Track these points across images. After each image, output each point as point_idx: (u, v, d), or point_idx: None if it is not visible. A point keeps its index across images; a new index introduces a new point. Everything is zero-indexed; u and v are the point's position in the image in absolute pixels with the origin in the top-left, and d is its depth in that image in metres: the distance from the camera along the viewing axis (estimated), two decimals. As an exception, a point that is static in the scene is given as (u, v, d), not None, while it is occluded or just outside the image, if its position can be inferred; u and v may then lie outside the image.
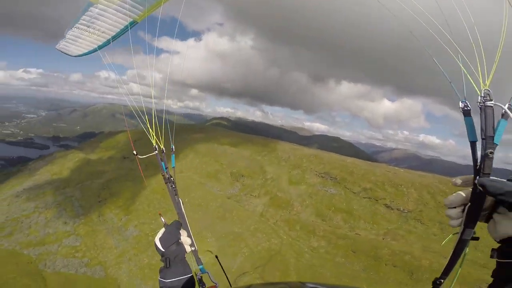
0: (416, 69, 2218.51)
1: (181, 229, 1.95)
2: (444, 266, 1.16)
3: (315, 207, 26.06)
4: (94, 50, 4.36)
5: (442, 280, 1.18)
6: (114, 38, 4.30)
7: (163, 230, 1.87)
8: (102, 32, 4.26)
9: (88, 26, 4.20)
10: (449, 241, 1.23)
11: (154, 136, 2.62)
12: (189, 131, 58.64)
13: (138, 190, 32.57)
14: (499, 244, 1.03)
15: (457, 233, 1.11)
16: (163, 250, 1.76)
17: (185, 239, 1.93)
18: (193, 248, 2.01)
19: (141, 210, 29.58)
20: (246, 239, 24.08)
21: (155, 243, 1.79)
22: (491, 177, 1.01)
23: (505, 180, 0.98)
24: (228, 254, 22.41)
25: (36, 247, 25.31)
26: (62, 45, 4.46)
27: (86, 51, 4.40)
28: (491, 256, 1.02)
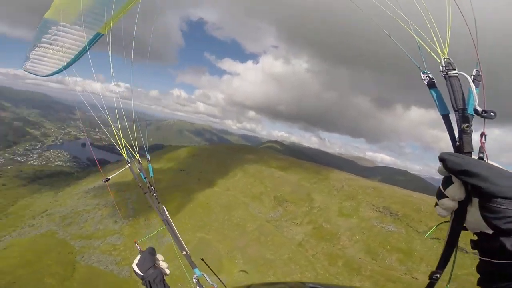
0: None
1: (157, 254, 2.00)
2: (439, 259, 1.08)
3: (365, 244, 22.61)
4: (63, 68, 4.21)
5: (438, 275, 1.10)
6: (82, 53, 4.12)
7: (138, 256, 1.96)
8: (67, 49, 4.12)
9: (51, 44, 4.07)
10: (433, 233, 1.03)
11: (124, 149, 2.68)
12: (242, 151, 60.14)
13: (185, 202, 33.83)
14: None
15: (448, 221, 1.01)
16: (141, 274, 1.84)
17: (162, 263, 1.99)
18: (184, 253, 2.08)
19: (182, 221, 30.39)
20: (276, 267, 22.07)
21: (133, 268, 1.90)
22: (455, 153, 0.93)
23: (469, 157, 0.91)
24: (253, 280, 20.73)
25: (83, 239, 28.05)
26: (28, 66, 4.35)
27: (55, 69, 4.25)
28: (472, 247, 0.95)
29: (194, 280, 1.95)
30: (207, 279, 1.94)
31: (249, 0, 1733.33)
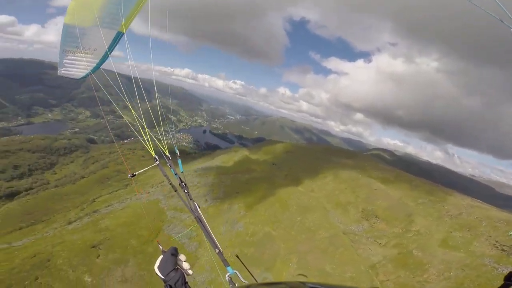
0: None
1: (179, 254, 1.95)
2: None
3: (458, 282, 15.72)
4: (96, 68, 4.38)
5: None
6: (107, 53, 4.19)
7: (161, 257, 1.92)
8: (94, 50, 4.18)
9: (76, 47, 4.17)
10: None
11: (151, 147, 2.94)
12: (340, 155, 55.36)
13: (267, 194, 33.74)
14: None
15: None
16: (163, 277, 1.81)
17: (184, 264, 1.95)
18: (217, 251, 2.09)
19: (258, 212, 30.28)
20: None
21: (155, 271, 1.87)
22: None
23: None
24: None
25: (176, 211, 32.13)
26: (62, 71, 4.51)
27: (87, 71, 4.37)
28: None
29: (227, 278, 1.92)
30: (240, 277, 1.90)
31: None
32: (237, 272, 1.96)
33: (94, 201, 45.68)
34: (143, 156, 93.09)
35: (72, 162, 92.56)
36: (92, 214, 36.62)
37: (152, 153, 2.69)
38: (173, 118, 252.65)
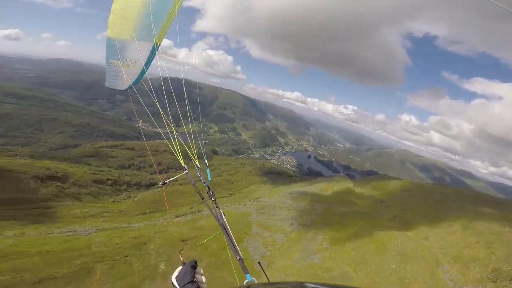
0: None
1: (197, 267, 2.01)
2: None
3: None
4: (137, 81, 4.65)
5: None
6: (147, 65, 4.45)
7: (180, 268, 2.02)
8: (135, 62, 4.40)
9: (119, 59, 4.38)
10: None
11: (180, 155, 3.26)
12: (481, 201, 40.82)
13: (362, 233, 28.13)
14: None
15: None
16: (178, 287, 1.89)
17: (199, 277, 1.97)
18: (238, 258, 2.11)
19: (343, 249, 25.14)
20: None
21: (171, 281, 1.92)
22: None
23: None
24: None
25: (261, 228, 31.76)
26: (108, 82, 4.76)
27: (129, 83, 4.59)
28: None
29: (245, 285, 1.80)
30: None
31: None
32: (255, 279, 1.93)
33: (202, 203, 51.85)
34: (250, 172, 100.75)
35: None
36: (196, 213, 41.29)
37: (181, 162, 2.89)
38: (281, 140, 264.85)
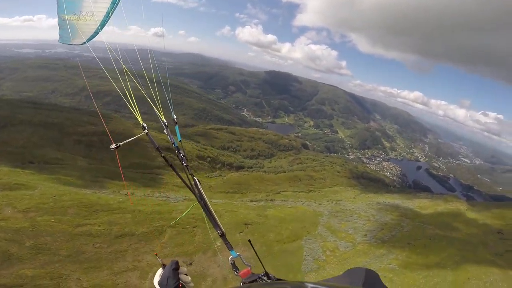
0: None
1: (180, 268, 1.82)
2: None
3: None
4: (96, 33, 4.04)
5: None
6: (105, 19, 3.88)
7: (160, 271, 1.82)
8: (92, 16, 3.86)
9: (74, 13, 3.92)
10: None
11: (138, 112, 2.39)
12: None
13: (448, 263, 22.37)
14: None
15: None
16: None
17: (184, 277, 1.81)
18: (219, 232, 1.91)
19: (414, 276, 20.57)
20: None
21: (154, 286, 1.74)
22: None
23: None
24: None
25: (328, 230, 30.51)
26: (62, 38, 4.18)
27: (89, 36, 4.02)
28: None
29: (230, 262, 1.86)
30: (243, 260, 1.80)
31: None
32: (240, 255, 1.84)
33: (279, 193, 53.99)
34: (338, 172, 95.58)
35: (284, 158, 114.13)
36: (269, 202, 43.36)
37: (139, 118, 2.31)
38: (387, 144, 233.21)
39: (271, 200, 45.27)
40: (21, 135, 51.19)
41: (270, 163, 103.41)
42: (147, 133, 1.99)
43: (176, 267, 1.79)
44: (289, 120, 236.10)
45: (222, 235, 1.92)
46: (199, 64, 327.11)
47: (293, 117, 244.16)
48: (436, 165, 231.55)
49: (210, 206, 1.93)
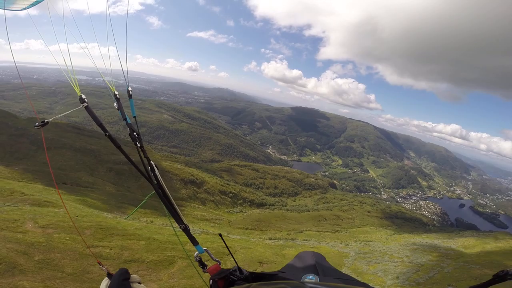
0: None
1: (132, 275, 1.52)
2: None
3: None
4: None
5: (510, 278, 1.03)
6: None
7: (106, 282, 1.48)
8: None
9: None
10: None
11: (76, 83, 1.69)
12: None
13: None
14: None
15: None
16: None
17: (137, 286, 1.52)
18: (181, 226, 1.70)
19: None
20: None
21: None
22: None
23: None
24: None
25: (355, 272, 26.22)
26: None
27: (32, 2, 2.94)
28: None
29: (196, 259, 1.71)
30: (211, 255, 1.67)
31: None
32: (207, 250, 1.71)
33: (301, 232, 50.88)
34: (368, 212, 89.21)
35: (309, 196, 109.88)
36: (289, 240, 40.94)
37: (77, 90, 1.72)
38: (423, 183, 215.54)
39: (292, 239, 42.71)
40: (61, 157, 55.72)
41: (294, 201, 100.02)
42: (86, 106, 1.55)
43: (126, 277, 1.49)
44: (316, 159, 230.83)
45: (185, 229, 1.73)
46: (228, 99, 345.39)
47: (320, 155, 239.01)
48: (482, 202, 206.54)
49: (170, 196, 1.71)
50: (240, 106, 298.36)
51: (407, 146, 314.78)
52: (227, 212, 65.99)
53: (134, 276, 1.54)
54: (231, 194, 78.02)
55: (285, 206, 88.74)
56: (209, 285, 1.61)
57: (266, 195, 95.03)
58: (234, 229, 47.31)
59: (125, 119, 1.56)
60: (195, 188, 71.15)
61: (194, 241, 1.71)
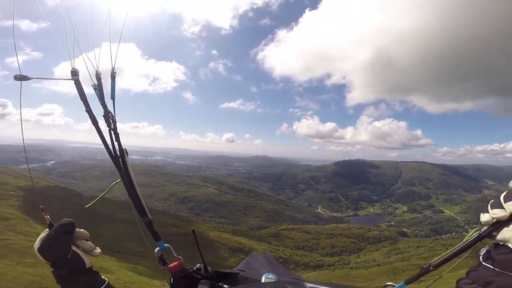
0: None
1: (77, 230, 1.26)
2: (443, 257, 1.14)
3: None
4: None
5: (433, 268, 1.17)
6: None
7: (45, 234, 1.20)
8: None
9: None
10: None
11: (72, 52, 1.31)
12: None
13: None
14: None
15: (479, 229, 1.05)
16: (49, 263, 1.18)
17: (83, 243, 1.26)
18: (145, 219, 1.51)
19: None
20: None
21: (36, 253, 1.18)
22: None
23: None
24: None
25: None
26: None
27: None
28: (479, 253, 1.02)
29: (157, 255, 1.56)
30: (173, 252, 1.59)
31: None
32: (170, 246, 1.58)
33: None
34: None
35: (377, 250, 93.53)
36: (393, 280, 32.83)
37: (72, 62, 1.24)
38: None
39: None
40: (116, 230, 58.69)
41: (358, 258, 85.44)
42: (77, 79, 1.33)
43: (69, 229, 1.21)
44: (375, 210, 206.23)
45: (149, 223, 1.52)
46: (267, 165, 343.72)
47: (379, 205, 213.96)
48: None
49: (136, 186, 1.49)
50: (280, 170, 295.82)
51: (481, 176, 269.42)
52: (278, 277, 57.75)
53: (81, 231, 1.29)
54: (280, 260, 69.64)
55: (348, 264, 75.44)
56: (169, 283, 1.55)
57: (323, 256, 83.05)
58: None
59: (101, 100, 1.34)
60: (243, 256, 66.25)
61: (156, 237, 1.56)
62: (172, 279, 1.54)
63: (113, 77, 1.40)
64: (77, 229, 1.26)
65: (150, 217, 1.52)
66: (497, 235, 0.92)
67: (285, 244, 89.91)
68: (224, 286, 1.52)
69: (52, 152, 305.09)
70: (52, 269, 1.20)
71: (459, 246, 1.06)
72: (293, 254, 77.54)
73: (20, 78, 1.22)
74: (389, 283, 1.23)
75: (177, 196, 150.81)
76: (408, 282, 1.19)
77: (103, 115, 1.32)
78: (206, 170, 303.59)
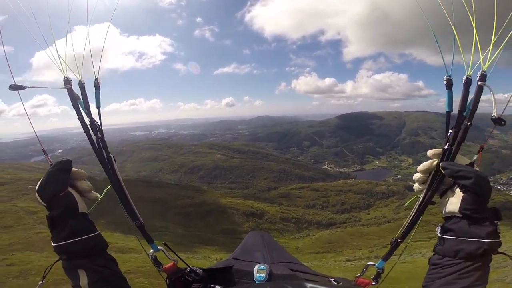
0: None
1: (75, 169, 1.28)
2: (403, 229, 1.27)
3: None
4: None
5: (400, 240, 1.29)
6: None
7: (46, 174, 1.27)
8: None
9: None
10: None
11: (64, 63, 1.41)
12: None
13: None
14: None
15: (418, 196, 1.25)
16: (44, 204, 1.21)
17: (80, 184, 1.29)
18: (136, 223, 1.53)
19: None
20: None
21: (36, 196, 1.25)
22: (452, 162, 1.09)
23: (465, 166, 1.07)
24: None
25: None
26: None
27: None
28: (436, 231, 1.12)
29: (151, 257, 1.56)
30: (167, 255, 1.57)
31: None
32: (163, 249, 1.55)
33: (385, 247, 42.57)
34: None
35: (386, 206, 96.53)
36: (373, 258, 34.16)
37: (63, 71, 1.31)
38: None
39: (376, 256, 35.58)
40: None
41: (369, 214, 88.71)
42: (70, 87, 1.29)
43: (66, 167, 1.20)
44: (381, 163, 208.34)
45: (140, 226, 1.54)
46: (270, 125, 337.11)
47: (385, 158, 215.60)
48: None
49: (126, 191, 1.50)
50: (283, 129, 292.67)
51: (485, 124, 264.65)
52: (293, 238, 61.22)
53: (79, 171, 1.29)
54: (293, 220, 72.90)
55: (359, 221, 78.60)
56: (166, 284, 1.60)
57: (334, 213, 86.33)
58: (303, 255, 42.16)
59: (87, 109, 1.35)
60: (256, 219, 69.14)
61: (149, 239, 1.60)
62: (168, 280, 1.52)
63: (97, 87, 1.42)
64: (74, 169, 1.25)
65: (142, 220, 1.50)
66: (441, 206, 1.09)
67: (296, 204, 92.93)
68: (216, 287, 1.46)
69: (58, 142, 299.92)
70: (47, 213, 1.18)
71: (411, 216, 1.23)
72: (304, 213, 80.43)
73: (16, 87, 1.27)
74: (370, 263, 1.36)
75: (186, 167, 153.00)
76: (385, 258, 1.34)
77: (89, 124, 1.34)
78: (210, 136, 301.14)
